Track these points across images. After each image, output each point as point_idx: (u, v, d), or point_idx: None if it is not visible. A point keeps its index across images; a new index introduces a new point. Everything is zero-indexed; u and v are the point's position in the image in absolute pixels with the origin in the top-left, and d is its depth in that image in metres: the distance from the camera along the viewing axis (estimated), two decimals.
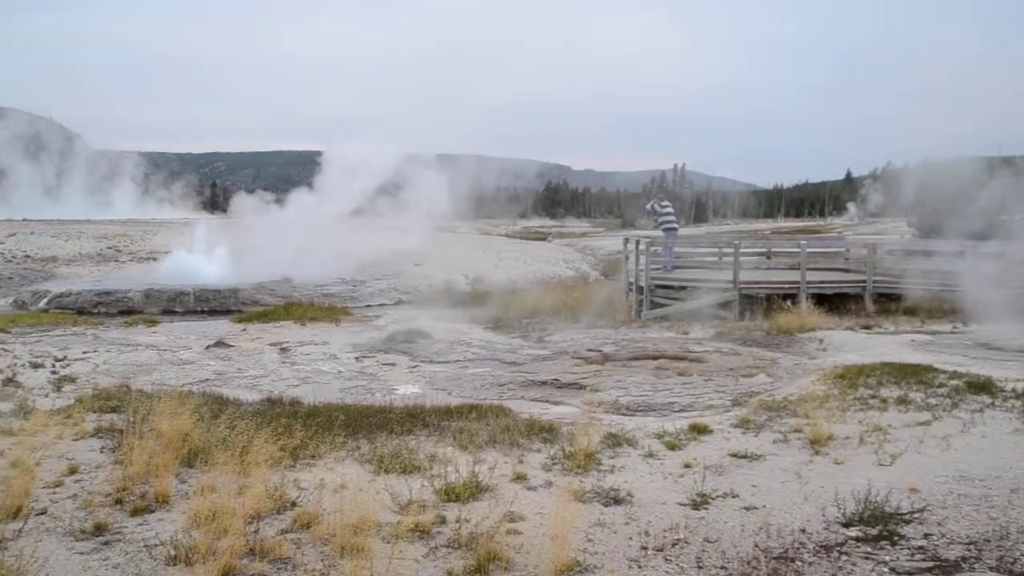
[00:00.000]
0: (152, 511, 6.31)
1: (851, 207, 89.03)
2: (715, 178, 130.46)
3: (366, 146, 34.58)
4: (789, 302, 18.23)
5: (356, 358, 15.05)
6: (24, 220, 52.18)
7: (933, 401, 9.40)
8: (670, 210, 23.89)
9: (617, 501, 6.44)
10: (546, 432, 8.50)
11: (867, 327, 16.45)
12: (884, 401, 9.46)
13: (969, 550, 5.33)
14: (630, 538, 5.70)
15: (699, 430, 8.61)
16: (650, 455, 7.78)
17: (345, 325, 20.44)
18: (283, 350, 16.05)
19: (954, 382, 10.21)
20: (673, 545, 5.55)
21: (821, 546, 5.45)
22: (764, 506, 6.26)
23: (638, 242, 21.93)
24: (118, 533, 5.85)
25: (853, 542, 5.52)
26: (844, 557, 5.27)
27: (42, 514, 6.24)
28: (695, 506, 6.30)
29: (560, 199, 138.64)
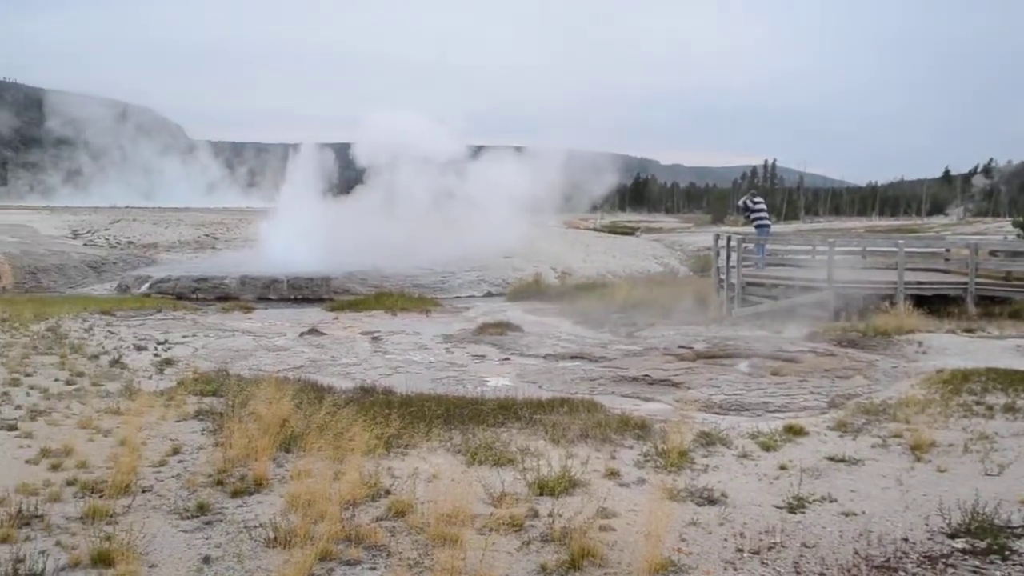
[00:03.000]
0: (251, 493, 6.47)
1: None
2: (807, 174, 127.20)
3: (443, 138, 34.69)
4: (886, 303, 17.77)
5: (447, 349, 15.18)
6: (127, 207, 54.14)
7: None
8: (763, 206, 23.48)
9: (711, 501, 6.36)
10: (638, 429, 8.44)
11: (969, 331, 15.89)
12: (990, 408, 9.14)
13: None
14: (725, 539, 5.62)
15: (794, 432, 8.44)
16: (744, 455, 7.67)
17: (435, 316, 20.64)
18: (375, 339, 16.28)
19: None
20: (769, 548, 5.46)
21: (925, 556, 5.29)
22: (863, 512, 6.11)
23: (729, 238, 21.59)
24: (219, 513, 6.02)
25: (960, 554, 5.33)
26: (951, 570, 5.10)
27: (148, 491, 6.46)
28: (791, 509, 6.18)
29: (648, 194, 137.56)
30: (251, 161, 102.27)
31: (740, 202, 25.47)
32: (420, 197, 33.77)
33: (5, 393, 10.07)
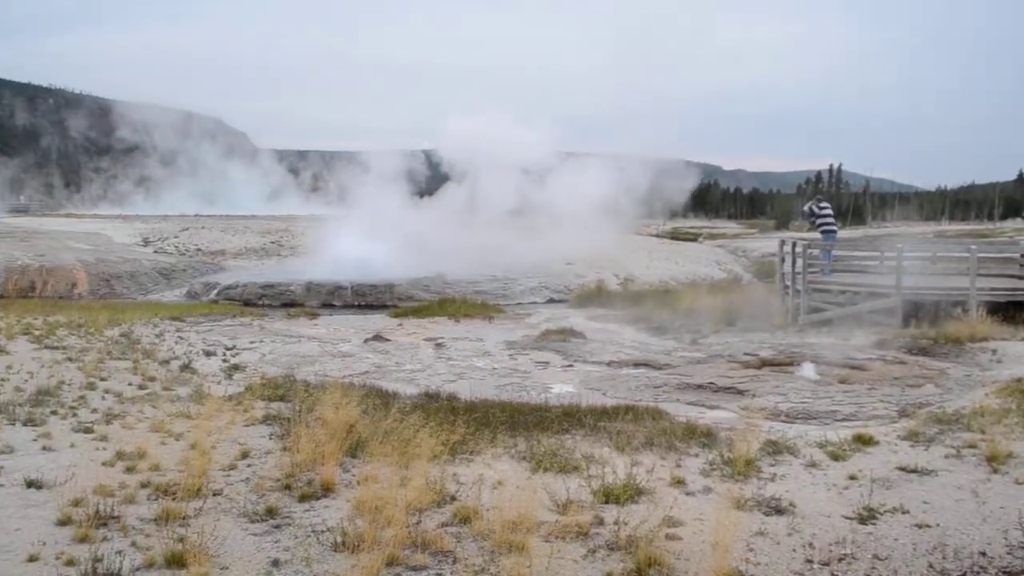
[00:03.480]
0: (318, 498, 6.56)
1: None
2: (873, 179, 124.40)
3: (520, 141, 34.63)
4: (958, 310, 17.36)
5: (510, 355, 15.22)
6: (196, 215, 55.26)
7: None
8: (829, 212, 23.11)
9: (779, 511, 6.27)
10: (704, 437, 8.36)
11: None
12: None
13: None
14: (794, 550, 5.54)
15: (864, 441, 8.27)
16: (812, 465, 7.54)
17: (498, 322, 20.70)
18: (438, 345, 16.39)
19: None
20: (840, 560, 5.37)
21: (1005, 572, 5.15)
22: (937, 524, 5.97)
23: (794, 244, 21.30)
24: (287, 517, 6.10)
25: None
26: None
27: (218, 495, 6.58)
28: (862, 520, 6.06)
29: (710, 199, 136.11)
30: (314, 168, 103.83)
31: (806, 207, 25.07)
32: (496, 203, 33.78)
33: (82, 397, 10.36)
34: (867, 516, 6.12)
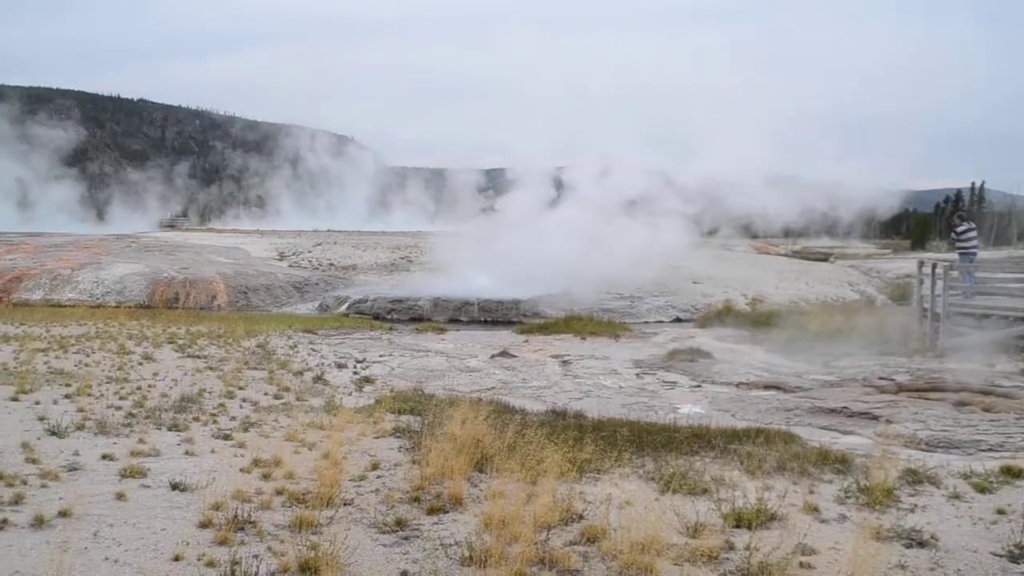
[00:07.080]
0: (446, 511, 6.62)
1: None
2: (1019, 197, 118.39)
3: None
4: None
5: (636, 374, 15.08)
6: (328, 231, 56.91)
7: None
8: (974, 232, 22.18)
9: (920, 543, 6.00)
10: (838, 463, 8.10)
11: None
12: None
13: None
14: None
15: (1013, 473, 7.84)
16: (955, 496, 7.20)
17: (624, 341, 20.54)
18: (564, 363, 16.37)
19: None
20: None
21: None
22: None
23: (934, 266, 20.45)
24: (416, 530, 6.18)
25: None
26: None
27: (349, 504, 6.73)
28: (1013, 558, 5.74)
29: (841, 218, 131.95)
30: (443, 186, 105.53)
31: (956, 228, 23.90)
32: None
33: (222, 404, 10.79)
34: (1019, 554, 5.79)
